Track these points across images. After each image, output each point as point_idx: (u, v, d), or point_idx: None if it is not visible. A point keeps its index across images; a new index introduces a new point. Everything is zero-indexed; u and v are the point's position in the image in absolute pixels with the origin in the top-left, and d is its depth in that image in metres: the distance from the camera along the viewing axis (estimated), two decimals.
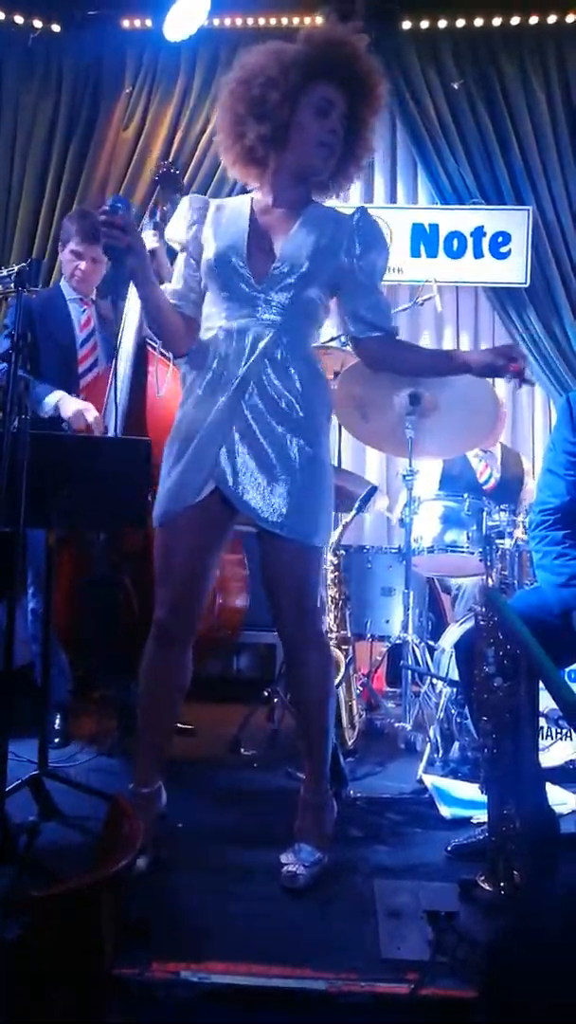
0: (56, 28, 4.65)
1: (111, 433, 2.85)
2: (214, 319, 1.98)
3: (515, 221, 4.56)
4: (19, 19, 4.62)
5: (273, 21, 4.62)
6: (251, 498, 1.91)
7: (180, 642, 2.01)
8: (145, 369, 2.96)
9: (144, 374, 2.96)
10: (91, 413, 2.89)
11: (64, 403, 2.90)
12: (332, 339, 4.07)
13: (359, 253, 1.97)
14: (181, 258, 2.04)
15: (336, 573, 3.15)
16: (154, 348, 2.94)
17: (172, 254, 2.24)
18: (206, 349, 1.97)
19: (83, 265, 3.06)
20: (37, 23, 4.63)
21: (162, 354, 2.92)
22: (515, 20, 4.52)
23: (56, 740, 2.86)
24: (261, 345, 1.92)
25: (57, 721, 2.95)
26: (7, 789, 2.06)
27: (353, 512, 3.17)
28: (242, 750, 2.96)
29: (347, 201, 4.77)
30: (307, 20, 4.60)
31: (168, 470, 1.97)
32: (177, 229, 2.04)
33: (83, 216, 3.12)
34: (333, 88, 1.91)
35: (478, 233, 4.60)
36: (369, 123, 1.98)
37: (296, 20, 4.60)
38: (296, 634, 1.99)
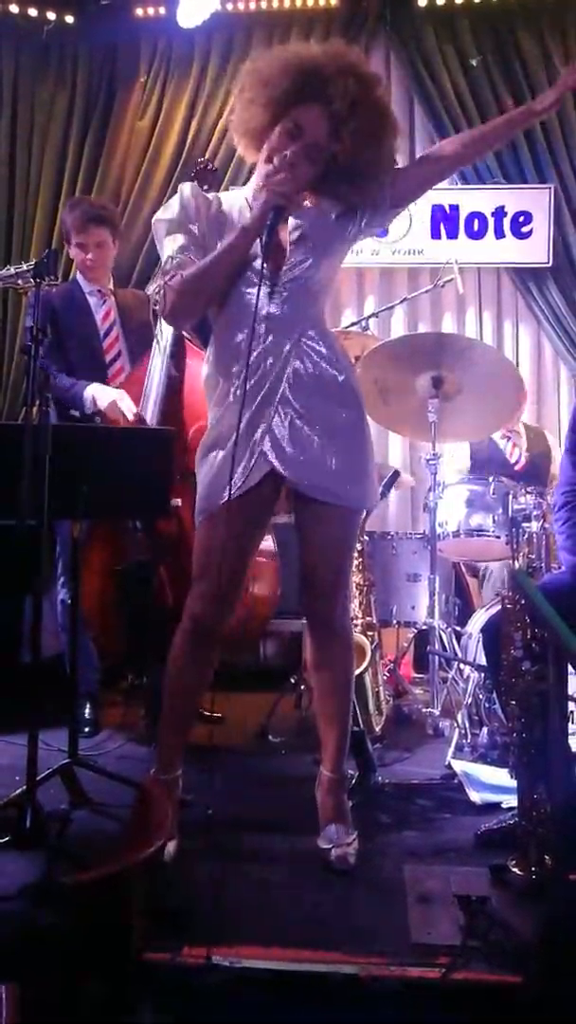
0: (70, 19, 4.63)
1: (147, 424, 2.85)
2: (234, 316, 1.97)
3: (537, 200, 4.48)
4: (33, 12, 4.61)
5: (287, 4, 4.56)
6: (303, 470, 1.94)
7: (213, 637, 2.03)
8: (182, 362, 2.94)
9: (181, 367, 2.94)
10: (124, 402, 2.86)
11: (99, 394, 2.88)
12: (352, 324, 4.04)
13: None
14: (181, 241, 1.96)
15: (360, 559, 3.13)
16: (191, 342, 2.93)
17: None
18: (232, 348, 1.97)
19: (90, 254, 3.05)
20: (51, 15, 4.61)
21: (198, 348, 2.90)
22: None
23: (86, 729, 2.89)
24: (287, 329, 1.95)
25: (87, 710, 2.97)
26: (39, 778, 2.09)
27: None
28: (270, 737, 2.97)
29: None
30: (320, 2, 4.55)
31: (209, 465, 1.99)
32: (183, 213, 1.98)
33: (74, 205, 3.12)
34: (317, 112, 1.89)
35: (499, 213, 4.53)
36: (370, 139, 1.92)
37: (310, 2, 4.55)
38: (327, 620, 2.02)
